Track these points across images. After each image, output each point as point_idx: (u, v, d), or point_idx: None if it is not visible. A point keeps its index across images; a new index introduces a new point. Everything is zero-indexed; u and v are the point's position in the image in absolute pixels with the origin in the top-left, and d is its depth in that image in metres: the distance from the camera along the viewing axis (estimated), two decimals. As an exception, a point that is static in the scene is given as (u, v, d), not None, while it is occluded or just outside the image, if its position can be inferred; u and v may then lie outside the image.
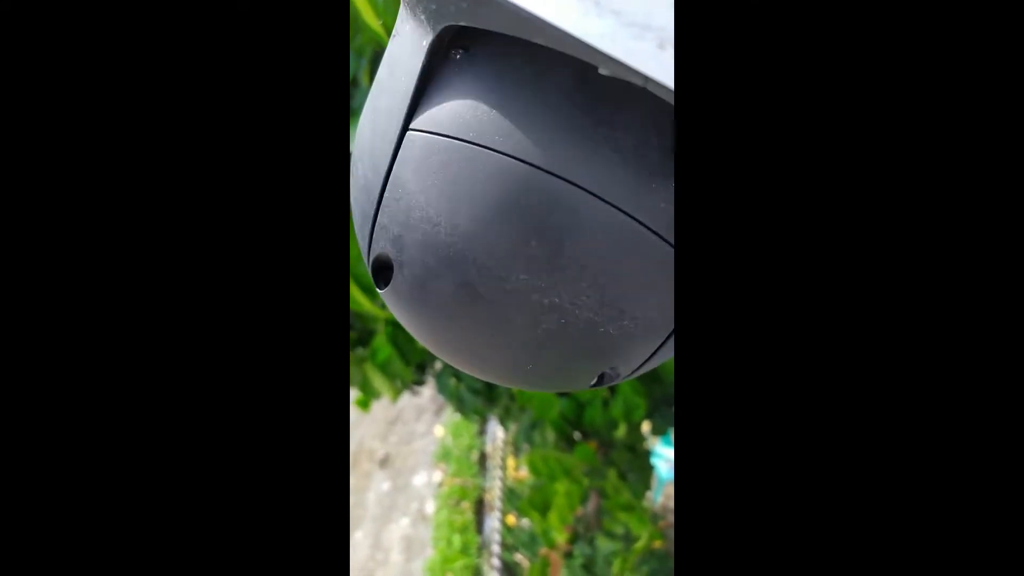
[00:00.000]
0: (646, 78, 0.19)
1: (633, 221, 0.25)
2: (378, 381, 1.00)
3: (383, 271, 0.29)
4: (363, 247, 0.30)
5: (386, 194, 0.27)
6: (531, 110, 0.25)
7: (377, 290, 0.30)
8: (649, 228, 0.25)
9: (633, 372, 0.30)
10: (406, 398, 2.60)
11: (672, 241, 0.25)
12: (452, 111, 0.26)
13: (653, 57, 0.19)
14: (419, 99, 0.27)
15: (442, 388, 1.41)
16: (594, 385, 0.30)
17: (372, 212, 0.28)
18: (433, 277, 0.27)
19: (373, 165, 0.28)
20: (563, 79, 0.25)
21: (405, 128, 0.27)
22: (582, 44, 0.20)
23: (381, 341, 0.98)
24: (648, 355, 0.29)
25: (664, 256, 0.25)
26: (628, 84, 0.20)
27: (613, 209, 0.25)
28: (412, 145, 0.27)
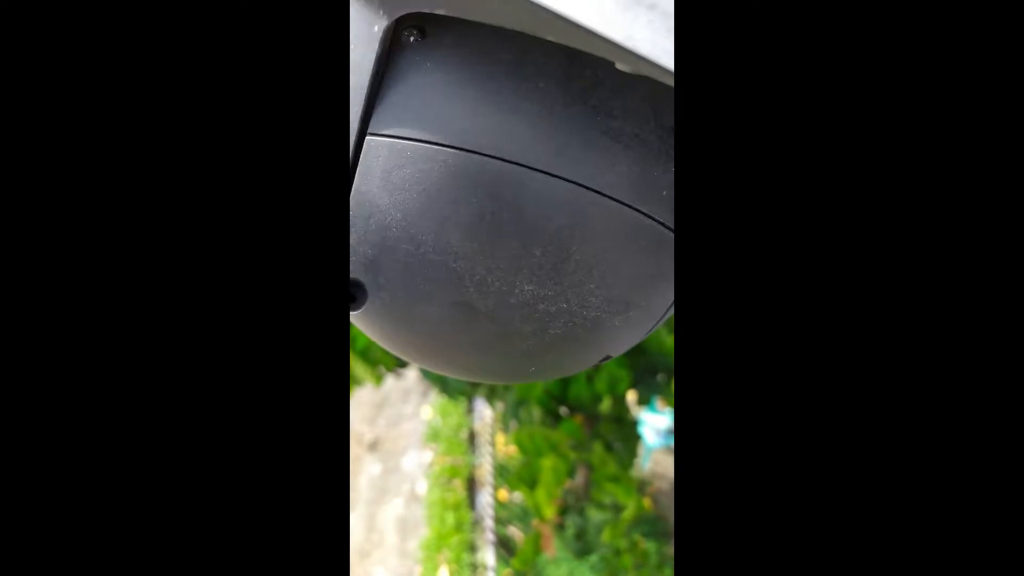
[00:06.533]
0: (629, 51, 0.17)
1: (638, 214, 0.23)
2: (359, 368, 1.00)
3: (350, 295, 0.26)
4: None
5: (352, 211, 0.24)
6: (515, 102, 0.21)
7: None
8: (654, 219, 0.23)
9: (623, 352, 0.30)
10: (392, 381, 2.61)
11: (672, 226, 0.24)
12: (419, 109, 0.22)
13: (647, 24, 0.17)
14: (375, 97, 0.23)
15: (425, 372, 1.41)
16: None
17: None
18: (421, 299, 0.24)
19: None
20: (548, 62, 0.21)
21: (363, 133, 0.23)
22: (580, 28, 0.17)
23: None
24: (643, 336, 0.28)
25: (666, 242, 0.24)
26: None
27: (618, 204, 0.22)
28: (375, 153, 0.23)
